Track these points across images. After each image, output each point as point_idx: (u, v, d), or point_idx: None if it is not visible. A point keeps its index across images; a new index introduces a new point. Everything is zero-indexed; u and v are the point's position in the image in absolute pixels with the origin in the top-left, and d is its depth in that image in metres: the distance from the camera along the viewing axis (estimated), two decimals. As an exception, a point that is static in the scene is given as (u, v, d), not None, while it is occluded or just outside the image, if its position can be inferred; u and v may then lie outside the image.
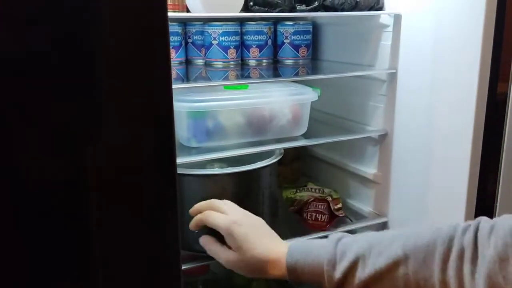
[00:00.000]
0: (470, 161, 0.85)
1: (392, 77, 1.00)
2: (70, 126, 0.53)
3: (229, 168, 0.92)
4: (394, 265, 0.63)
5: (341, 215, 1.02)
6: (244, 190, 0.92)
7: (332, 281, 0.67)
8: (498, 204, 0.89)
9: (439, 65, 0.89)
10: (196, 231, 0.82)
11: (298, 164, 1.28)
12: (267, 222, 0.82)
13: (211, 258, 0.82)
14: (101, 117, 0.55)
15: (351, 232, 1.16)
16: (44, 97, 0.52)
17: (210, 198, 0.83)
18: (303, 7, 0.92)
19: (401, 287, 0.62)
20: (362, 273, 0.64)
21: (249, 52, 1.14)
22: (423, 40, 0.91)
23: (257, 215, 0.82)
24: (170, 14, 1.01)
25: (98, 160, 0.54)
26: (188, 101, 0.90)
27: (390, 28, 0.99)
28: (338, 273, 0.66)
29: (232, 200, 0.84)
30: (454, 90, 0.86)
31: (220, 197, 0.84)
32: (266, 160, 0.93)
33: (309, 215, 1.01)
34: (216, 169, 0.96)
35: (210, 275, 1.35)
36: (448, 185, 0.90)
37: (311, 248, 0.71)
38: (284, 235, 0.86)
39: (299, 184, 1.20)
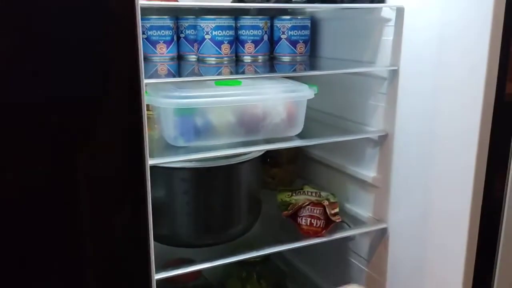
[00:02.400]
0: (475, 167, 0.79)
1: (394, 75, 0.94)
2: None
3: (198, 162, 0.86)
4: None
5: (337, 221, 0.96)
6: (216, 185, 0.88)
7: None
8: (505, 211, 0.84)
9: (443, 64, 0.83)
10: None
11: (294, 166, 1.22)
12: (244, 223, 0.78)
13: (202, 263, 0.78)
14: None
15: (349, 238, 1.11)
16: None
17: (182, 192, 0.79)
18: (300, -2, 0.87)
19: None
20: None
21: (244, 48, 1.09)
22: (427, 36, 0.86)
23: (231, 213, 0.77)
24: (160, 3, 0.97)
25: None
26: (175, 97, 0.85)
27: (392, 23, 0.93)
28: None
29: (203, 195, 0.79)
30: (459, 91, 0.81)
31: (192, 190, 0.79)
32: (242, 157, 0.89)
33: (303, 220, 0.95)
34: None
35: (202, 280, 1.30)
36: (452, 190, 0.84)
37: None
38: (278, 241, 0.82)
39: (295, 187, 1.14)
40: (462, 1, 0.79)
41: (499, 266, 0.86)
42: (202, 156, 0.82)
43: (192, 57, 1.11)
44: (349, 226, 1.03)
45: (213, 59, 1.06)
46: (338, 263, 1.17)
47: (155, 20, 1.05)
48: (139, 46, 0.55)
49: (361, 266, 1.09)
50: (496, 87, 0.78)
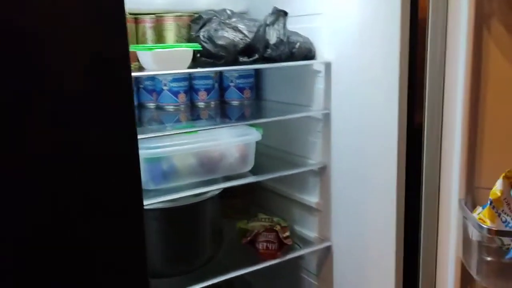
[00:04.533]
0: (397, 183, 0.97)
1: (327, 117, 1.12)
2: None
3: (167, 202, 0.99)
4: None
5: (289, 243, 1.12)
6: (184, 222, 1.01)
7: None
8: (422, 215, 1.01)
9: (367, 105, 1.02)
10: None
11: (249, 196, 1.37)
12: (209, 252, 0.89)
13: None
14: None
15: (300, 257, 1.27)
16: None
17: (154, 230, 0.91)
18: (246, 59, 1.03)
19: None
20: None
21: (198, 95, 1.24)
22: (350, 83, 1.05)
23: (198, 245, 0.89)
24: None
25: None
26: (144, 148, 0.98)
27: (322, 74, 1.12)
28: None
29: (173, 231, 0.92)
30: (379, 123, 0.99)
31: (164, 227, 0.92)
32: (205, 195, 1.03)
33: (260, 245, 1.10)
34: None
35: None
36: (381, 208, 1.02)
37: None
38: (240, 265, 0.95)
39: (250, 214, 1.29)
40: (373, 53, 0.98)
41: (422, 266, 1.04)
42: (173, 197, 0.96)
43: (152, 105, 1.24)
44: (300, 246, 1.19)
45: (172, 106, 1.20)
46: (292, 279, 1.33)
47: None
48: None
49: (311, 281, 1.26)
50: (407, 119, 0.97)
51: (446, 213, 0.88)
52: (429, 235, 0.92)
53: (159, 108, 1.21)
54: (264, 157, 1.22)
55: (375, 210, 1.05)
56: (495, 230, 0.72)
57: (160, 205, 0.96)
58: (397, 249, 1.01)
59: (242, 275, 1.35)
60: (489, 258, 0.74)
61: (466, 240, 0.80)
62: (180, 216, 1.00)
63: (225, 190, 1.23)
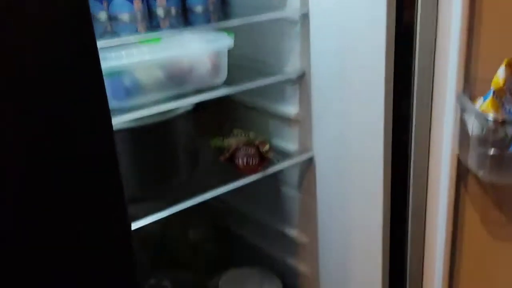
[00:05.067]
0: (385, 87, 0.90)
1: (305, 18, 1.01)
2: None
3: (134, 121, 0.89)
4: None
5: (270, 157, 1.05)
6: (155, 142, 0.92)
7: None
8: (414, 112, 0.95)
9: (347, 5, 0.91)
10: None
11: (221, 111, 1.28)
12: (185, 173, 0.82)
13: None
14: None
15: (280, 172, 1.22)
16: None
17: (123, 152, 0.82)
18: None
19: None
20: None
21: (156, 1, 1.08)
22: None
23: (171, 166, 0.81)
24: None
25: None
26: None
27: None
28: None
29: (143, 153, 0.82)
30: (364, 19, 0.89)
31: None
32: (176, 111, 0.93)
33: (240, 161, 1.03)
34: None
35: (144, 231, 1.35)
36: (367, 117, 0.96)
37: None
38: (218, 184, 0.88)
39: (225, 131, 1.20)
40: None
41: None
42: (138, 116, 0.85)
43: (103, 16, 1.08)
44: (278, 160, 1.13)
45: (126, 15, 1.05)
46: (271, 195, 1.28)
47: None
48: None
49: (293, 194, 1.22)
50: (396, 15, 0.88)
51: (440, 108, 0.82)
52: (422, 132, 0.87)
53: (112, 19, 1.05)
54: (237, 68, 1.11)
55: (360, 116, 0.98)
56: (501, 120, 0.67)
57: (126, 125, 0.86)
58: (385, 154, 0.96)
59: (219, 196, 1.31)
60: (492, 152, 0.70)
61: (464, 136, 0.75)
62: (150, 136, 0.90)
63: (197, 106, 1.13)
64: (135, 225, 0.86)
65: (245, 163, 1.03)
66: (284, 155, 1.15)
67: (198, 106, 1.16)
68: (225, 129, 1.23)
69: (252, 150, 1.03)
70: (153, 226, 1.39)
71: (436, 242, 1.01)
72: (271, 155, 1.06)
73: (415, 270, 1.07)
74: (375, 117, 0.94)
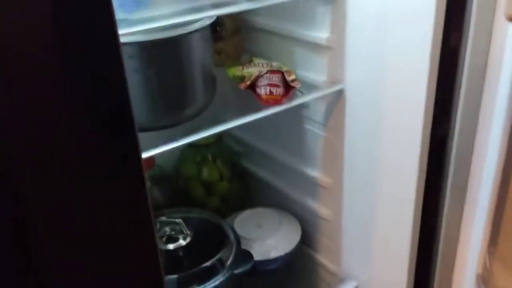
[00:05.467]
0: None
1: None
2: None
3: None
4: None
5: (297, 86, 0.93)
6: (168, 60, 0.80)
7: None
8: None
9: None
10: None
11: (239, 38, 1.15)
12: (200, 101, 0.73)
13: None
14: None
15: (304, 105, 1.10)
16: None
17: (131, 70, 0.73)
18: None
19: None
20: None
21: None
22: None
23: (186, 91, 0.71)
24: None
25: None
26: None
27: None
28: None
29: (154, 72, 0.73)
30: None
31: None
32: (191, 26, 0.80)
33: (262, 90, 0.91)
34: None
35: (158, 170, 1.27)
36: (409, 44, 0.83)
37: None
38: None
39: (243, 61, 1.08)
40: None
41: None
42: (150, 27, 0.72)
43: None
44: (302, 93, 1.01)
45: None
46: (293, 133, 1.17)
47: None
48: None
49: (318, 132, 1.10)
50: None
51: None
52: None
53: None
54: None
55: (402, 46, 0.85)
56: None
57: (136, 38, 0.74)
58: (428, 91, 0.84)
59: (234, 133, 1.20)
60: None
61: None
62: (163, 52, 0.78)
63: (214, 27, 0.99)
64: (145, 154, 0.76)
65: (268, 93, 0.91)
66: (311, 87, 1.03)
67: (215, 26, 1.02)
68: (243, 59, 1.10)
69: (276, 78, 0.91)
70: (167, 164, 1.31)
71: (479, 191, 0.91)
72: (297, 85, 0.93)
73: (451, 222, 0.97)
74: (420, 46, 0.80)
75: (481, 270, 0.90)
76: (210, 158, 1.28)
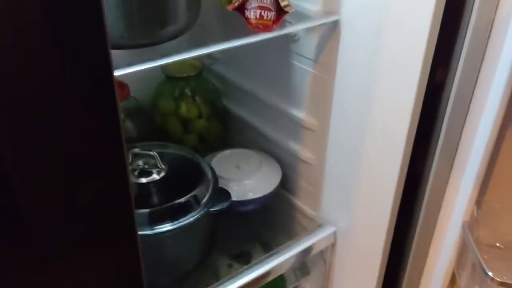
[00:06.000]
0: None
1: None
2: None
3: None
4: None
5: (290, 11, 0.84)
6: None
7: None
8: None
9: None
10: None
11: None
12: (183, 20, 0.66)
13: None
14: None
15: (293, 39, 1.02)
16: None
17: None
18: None
19: None
20: None
21: None
22: None
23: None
24: None
25: None
26: None
27: None
28: None
29: None
30: None
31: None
32: None
33: (252, 13, 0.82)
34: None
35: (132, 102, 1.18)
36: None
37: None
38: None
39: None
40: None
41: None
42: None
43: None
44: (290, 23, 0.92)
45: None
46: (280, 70, 1.10)
47: None
48: None
49: (307, 68, 1.03)
50: None
51: None
52: None
53: None
54: None
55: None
56: None
57: None
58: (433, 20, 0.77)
59: (214, 70, 1.12)
60: None
61: None
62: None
63: None
64: (118, 73, 0.68)
65: (258, 17, 0.82)
66: (302, 17, 0.94)
67: None
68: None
69: (268, 1, 0.82)
70: (143, 98, 1.22)
71: (473, 143, 0.87)
72: (291, 10, 0.84)
73: (439, 172, 0.93)
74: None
75: (468, 218, 0.87)
76: (189, 94, 1.20)
